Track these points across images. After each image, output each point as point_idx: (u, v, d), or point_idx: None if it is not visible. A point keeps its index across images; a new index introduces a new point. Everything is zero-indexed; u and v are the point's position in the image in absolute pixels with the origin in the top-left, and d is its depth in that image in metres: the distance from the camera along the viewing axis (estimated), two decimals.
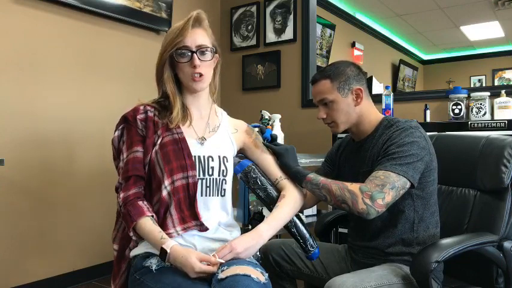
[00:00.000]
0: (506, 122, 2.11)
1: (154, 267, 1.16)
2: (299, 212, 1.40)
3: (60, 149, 2.60)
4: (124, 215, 1.21)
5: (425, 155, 1.31)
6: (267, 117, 2.40)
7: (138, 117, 1.28)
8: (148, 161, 1.25)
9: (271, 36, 3.44)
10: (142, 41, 3.06)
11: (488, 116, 2.35)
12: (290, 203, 1.33)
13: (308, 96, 3.25)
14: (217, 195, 1.29)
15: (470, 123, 2.21)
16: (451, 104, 2.45)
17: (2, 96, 2.34)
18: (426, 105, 2.59)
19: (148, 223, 1.18)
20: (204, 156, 1.27)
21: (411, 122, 1.38)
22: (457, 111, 2.43)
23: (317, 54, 3.87)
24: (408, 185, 1.27)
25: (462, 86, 2.60)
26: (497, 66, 6.73)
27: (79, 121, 2.69)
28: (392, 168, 1.26)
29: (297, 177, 1.37)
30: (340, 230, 2.41)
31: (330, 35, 4.40)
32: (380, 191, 1.22)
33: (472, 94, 2.41)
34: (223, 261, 1.12)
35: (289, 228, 1.36)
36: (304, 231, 1.37)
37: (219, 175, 1.28)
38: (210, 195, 1.27)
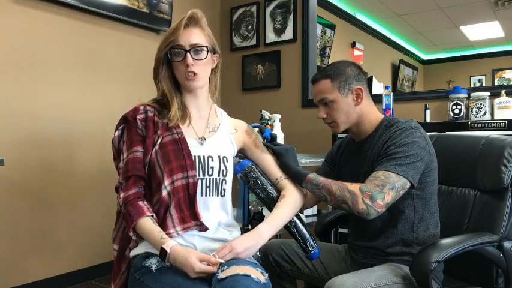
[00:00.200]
0: (506, 122, 2.11)
1: (154, 267, 1.16)
2: (299, 212, 1.40)
3: (60, 149, 2.60)
4: (124, 215, 1.21)
5: (425, 155, 1.31)
6: (267, 117, 2.40)
7: (138, 117, 1.28)
8: (148, 161, 1.25)
9: (271, 36, 3.44)
10: (142, 41, 3.06)
11: (488, 116, 2.35)
12: (290, 203, 1.33)
13: (308, 96, 3.25)
14: (217, 195, 1.29)
15: (470, 123, 2.20)
16: (451, 104, 2.45)
17: (2, 96, 2.34)
18: (426, 105, 2.59)
19: (148, 223, 1.18)
20: (204, 156, 1.27)
21: (411, 122, 1.38)
22: (457, 111, 2.43)
23: (317, 54, 3.87)
24: (408, 185, 1.27)
25: (462, 86, 2.60)
26: (497, 66, 6.73)
27: (79, 121, 2.69)
28: (392, 168, 1.26)
29: (297, 177, 1.37)
30: (340, 230, 2.41)
31: (330, 35, 4.40)
32: (380, 191, 1.22)
33: (472, 94, 2.41)
34: (223, 261, 1.12)
35: (289, 228, 1.36)
36: (304, 231, 1.37)
37: (219, 175, 1.28)
38: (210, 195, 1.27)
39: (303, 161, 2.33)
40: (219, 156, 1.29)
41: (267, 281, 1.12)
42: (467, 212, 1.49)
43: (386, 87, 2.61)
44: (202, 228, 1.23)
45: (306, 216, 2.36)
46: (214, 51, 1.33)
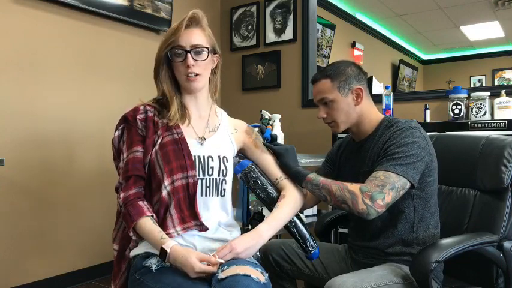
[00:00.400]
0: (506, 122, 2.11)
1: (154, 267, 1.16)
2: (299, 212, 1.40)
3: (60, 149, 2.60)
4: (124, 215, 1.21)
5: (425, 155, 1.31)
6: (267, 117, 2.40)
7: (138, 117, 1.28)
8: (148, 161, 1.25)
9: (271, 36, 3.44)
10: (142, 41, 3.06)
11: (488, 116, 2.35)
12: (290, 203, 1.33)
13: (308, 96, 3.25)
14: (217, 195, 1.29)
15: (470, 123, 2.20)
16: (451, 104, 2.45)
17: (2, 96, 2.34)
18: (426, 105, 2.59)
19: (148, 223, 1.18)
20: (204, 156, 1.27)
21: (411, 122, 1.38)
22: (457, 111, 2.43)
23: (317, 54, 3.87)
24: (408, 185, 1.27)
25: (462, 86, 2.60)
26: (497, 66, 6.73)
27: (79, 121, 2.69)
28: (392, 168, 1.26)
29: (297, 177, 1.37)
30: (340, 230, 2.41)
31: (330, 35, 4.40)
32: (380, 192, 1.22)
33: (472, 94, 2.41)
34: (223, 261, 1.12)
35: (289, 228, 1.36)
36: (304, 231, 1.37)
37: (219, 175, 1.28)
38: (210, 195, 1.27)
39: (303, 161, 2.33)
40: (219, 156, 1.29)
41: (267, 281, 1.12)
42: (467, 212, 1.49)
43: (387, 87, 2.61)
44: (202, 228, 1.23)
45: (306, 216, 2.36)
46: (214, 52, 1.33)
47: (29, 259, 2.46)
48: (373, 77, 4.50)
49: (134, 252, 1.26)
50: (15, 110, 2.39)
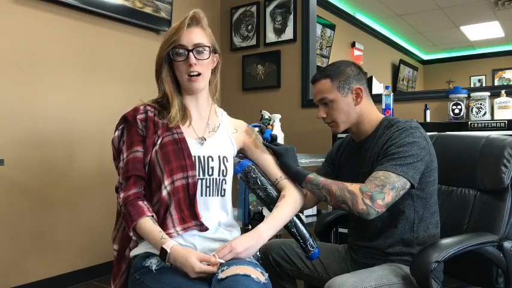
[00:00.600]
0: (506, 122, 2.11)
1: (154, 267, 1.16)
2: (299, 212, 1.40)
3: (60, 149, 2.60)
4: (124, 215, 1.21)
5: (425, 155, 1.31)
6: (267, 117, 2.40)
7: (138, 117, 1.28)
8: (149, 161, 1.25)
9: (271, 36, 3.44)
10: (142, 41, 3.06)
11: (488, 116, 2.35)
12: (290, 203, 1.33)
13: (308, 96, 3.25)
14: (217, 195, 1.29)
15: (470, 123, 2.20)
16: (451, 104, 2.45)
17: (2, 96, 2.34)
18: (426, 105, 2.59)
19: (148, 223, 1.18)
20: (204, 156, 1.27)
21: (411, 122, 1.38)
22: (457, 111, 2.43)
23: (317, 54, 3.87)
24: (408, 185, 1.27)
25: (462, 86, 2.60)
26: (497, 66, 6.73)
27: (79, 121, 2.69)
28: (392, 168, 1.26)
29: (297, 178, 1.37)
30: (340, 230, 2.41)
31: (330, 35, 4.40)
32: (380, 192, 1.22)
33: (472, 94, 2.41)
34: (223, 261, 1.12)
35: (289, 228, 1.36)
36: (304, 231, 1.37)
37: (219, 175, 1.28)
38: (210, 195, 1.27)
39: (303, 161, 2.33)
40: (219, 156, 1.29)
41: (267, 281, 1.12)
42: (467, 212, 1.49)
43: (387, 87, 2.61)
44: (202, 228, 1.23)
45: (306, 216, 2.36)
46: (215, 51, 1.33)
47: (29, 259, 2.46)
48: (373, 77, 4.50)
49: (134, 252, 1.26)
50: (15, 110, 2.39)
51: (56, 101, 2.57)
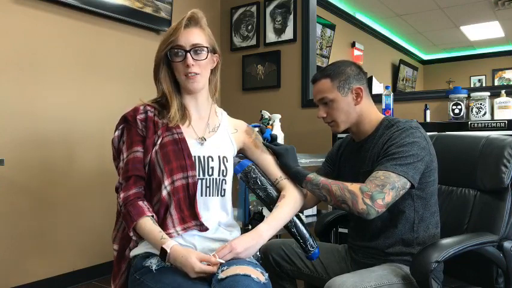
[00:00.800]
0: (506, 122, 2.11)
1: (154, 267, 1.16)
2: (299, 212, 1.40)
3: (60, 149, 2.60)
4: (124, 215, 1.21)
5: (425, 155, 1.31)
6: (267, 117, 2.40)
7: (138, 117, 1.28)
8: (148, 161, 1.25)
9: (271, 36, 3.44)
10: (142, 41, 3.06)
11: (488, 116, 2.35)
12: (290, 203, 1.33)
13: (308, 96, 3.25)
14: (217, 195, 1.29)
15: (470, 123, 2.20)
16: (451, 104, 2.45)
17: (2, 96, 2.34)
18: (426, 105, 2.59)
19: (148, 223, 1.18)
20: (204, 157, 1.27)
21: (411, 122, 1.38)
22: (457, 111, 2.43)
23: (317, 54, 3.87)
24: (408, 185, 1.27)
25: (462, 86, 2.60)
26: (497, 66, 6.73)
27: (79, 121, 2.69)
28: (392, 168, 1.26)
29: (297, 177, 1.37)
30: (340, 230, 2.41)
31: (330, 35, 4.40)
32: (380, 191, 1.22)
33: (472, 94, 2.41)
34: (223, 261, 1.12)
35: (289, 228, 1.36)
36: (304, 231, 1.37)
37: (218, 175, 1.28)
38: (210, 195, 1.27)
39: (303, 161, 2.33)
40: (219, 156, 1.29)
41: (267, 281, 1.12)
42: (467, 212, 1.49)
43: (387, 87, 2.61)
44: (202, 228, 1.23)
45: (306, 216, 2.36)
46: (214, 51, 1.33)
47: (29, 259, 2.46)
48: (373, 77, 4.50)
49: (134, 252, 1.26)
50: (15, 110, 2.39)
51: (56, 101, 2.57)
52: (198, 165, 1.25)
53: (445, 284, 1.40)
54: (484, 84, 6.81)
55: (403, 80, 6.38)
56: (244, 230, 1.78)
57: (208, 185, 1.26)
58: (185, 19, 1.27)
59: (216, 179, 1.28)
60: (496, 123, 2.13)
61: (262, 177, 1.37)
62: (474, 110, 2.37)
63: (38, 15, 2.49)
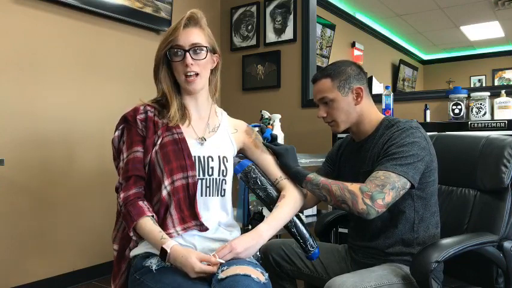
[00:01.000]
0: (506, 122, 2.11)
1: (154, 267, 1.16)
2: (299, 212, 1.40)
3: (60, 149, 2.60)
4: (124, 215, 1.21)
5: (425, 155, 1.31)
6: (267, 117, 2.40)
7: (138, 117, 1.28)
8: (149, 161, 1.25)
9: (271, 36, 3.44)
10: (142, 41, 3.06)
11: (488, 116, 2.35)
12: (290, 203, 1.33)
13: (308, 96, 3.25)
14: (217, 195, 1.29)
15: (470, 123, 2.20)
16: (451, 104, 2.45)
17: (2, 96, 2.33)
18: (426, 105, 2.59)
19: (148, 223, 1.18)
20: (204, 157, 1.27)
21: (412, 122, 1.38)
22: (457, 111, 2.43)
23: (317, 54, 3.87)
24: (408, 185, 1.27)
25: (462, 86, 2.60)
26: (497, 66, 6.73)
27: (79, 121, 2.69)
28: (392, 168, 1.26)
29: (297, 177, 1.37)
30: (340, 230, 2.41)
31: (330, 35, 4.40)
32: (380, 191, 1.22)
33: (472, 94, 2.41)
34: (223, 261, 1.12)
35: (289, 228, 1.36)
36: (304, 231, 1.37)
37: (218, 175, 1.28)
38: (210, 195, 1.27)
39: (303, 161, 2.33)
40: (219, 156, 1.29)
41: (267, 281, 1.12)
42: (467, 212, 1.49)
43: (387, 87, 2.61)
44: (202, 228, 1.23)
45: (306, 216, 2.36)
46: (214, 51, 1.33)
47: (29, 259, 2.46)
48: (373, 77, 4.50)
49: (134, 252, 1.26)
50: (15, 110, 2.39)
51: (56, 101, 2.57)
52: (198, 165, 1.25)
53: (445, 284, 1.40)
54: (484, 84, 6.81)
55: (403, 80, 6.38)
56: (244, 230, 1.78)
57: (208, 185, 1.27)
58: (184, 19, 1.27)
59: (216, 179, 1.28)
60: (496, 123, 2.13)
61: (262, 177, 1.37)
62: (474, 110, 2.37)
63: (38, 15, 2.49)
